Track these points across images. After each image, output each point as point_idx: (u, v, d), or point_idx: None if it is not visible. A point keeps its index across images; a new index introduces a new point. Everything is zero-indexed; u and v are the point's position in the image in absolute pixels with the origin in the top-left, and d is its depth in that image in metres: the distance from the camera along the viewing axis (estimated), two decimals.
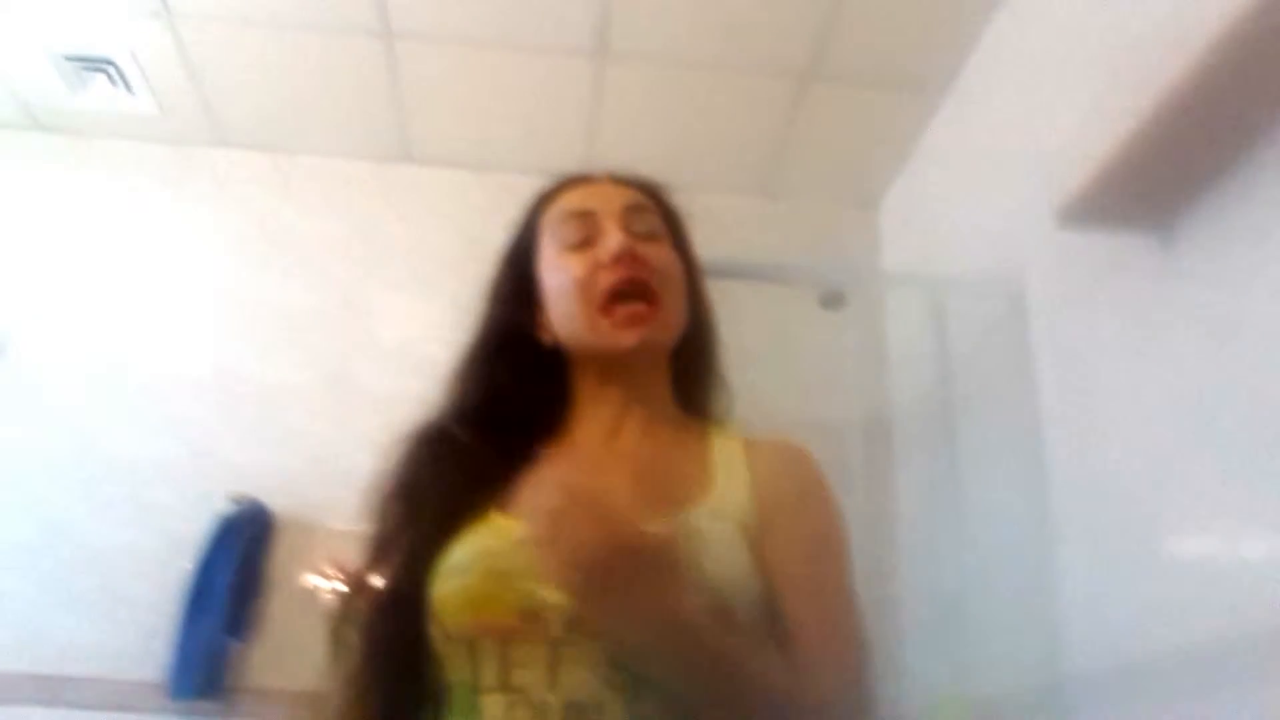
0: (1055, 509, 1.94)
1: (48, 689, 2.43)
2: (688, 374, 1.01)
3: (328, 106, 2.96)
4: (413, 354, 2.87)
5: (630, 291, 0.91)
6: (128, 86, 2.87)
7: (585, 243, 0.95)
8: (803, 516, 0.91)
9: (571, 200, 0.99)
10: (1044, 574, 1.91)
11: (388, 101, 2.92)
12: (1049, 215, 1.79)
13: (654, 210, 1.00)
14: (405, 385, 2.98)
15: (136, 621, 2.49)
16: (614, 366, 0.94)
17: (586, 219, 0.96)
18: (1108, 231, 1.77)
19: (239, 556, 2.53)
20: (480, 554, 0.83)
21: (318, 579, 2.58)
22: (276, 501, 2.65)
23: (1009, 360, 2.14)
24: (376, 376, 2.86)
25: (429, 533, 0.86)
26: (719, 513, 0.86)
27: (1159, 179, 1.59)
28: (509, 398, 0.96)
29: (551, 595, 0.78)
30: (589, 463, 0.93)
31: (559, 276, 0.95)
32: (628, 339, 0.91)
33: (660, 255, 0.95)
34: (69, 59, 2.78)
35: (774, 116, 2.83)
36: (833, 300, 2.45)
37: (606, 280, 0.91)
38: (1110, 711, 1.69)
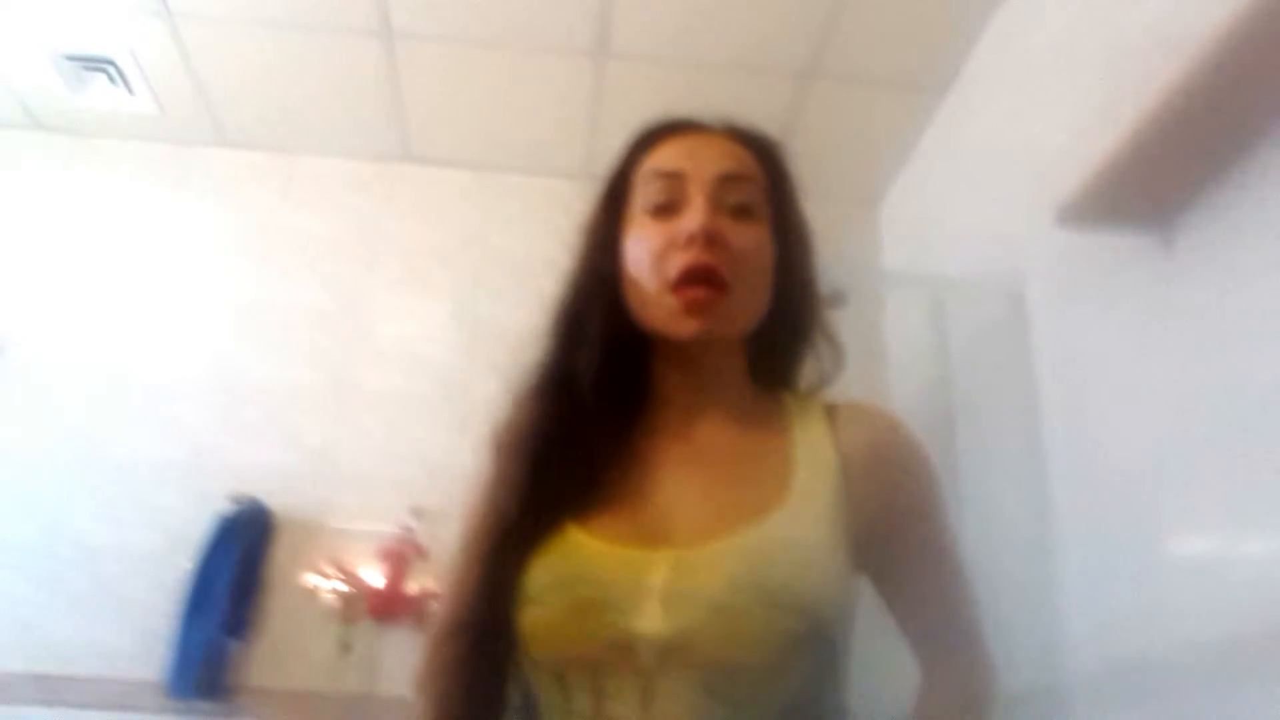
0: (1055, 508, 1.94)
1: (48, 689, 2.43)
2: (768, 352, 0.94)
3: (328, 106, 2.96)
4: (413, 354, 2.88)
5: (699, 275, 0.84)
6: (128, 86, 2.87)
7: (669, 208, 0.88)
8: (912, 503, 0.89)
9: (667, 155, 0.92)
10: (1044, 573, 1.91)
11: (388, 101, 2.92)
12: (1049, 215, 1.79)
13: (755, 179, 0.92)
14: (405, 385, 3.02)
15: (136, 621, 2.49)
16: (682, 350, 0.89)
17: (675, 182, 0.89)
18: (1108, 231, 1.77)
19: (239, 556, 2.53)
20: (562, 581, 0.80)
21: (318, 579, 2.58)
22: (276, 501, 2.65)
23: (1009, 360, 2.14)
24: (376, 376, 2.87)
25: (509, 552, 0.82)
26: (804, 512, 0.82)
27: (1159, 179, 1.59)
28: (596, 371, 0.88)
29: (643, 626, 0.76)
30: (666, 466, 0.87)
31: (636, 244, 0.89)
32: (689, 327, 0.85)
33: (745, 237, 0.88)
34: (69, 59, 2.78)
35: (774, 116, 2.83)
36: (833, 300, 2.44)
37: (679, 261, 0.85)
38: (1110, 711, 1.69)
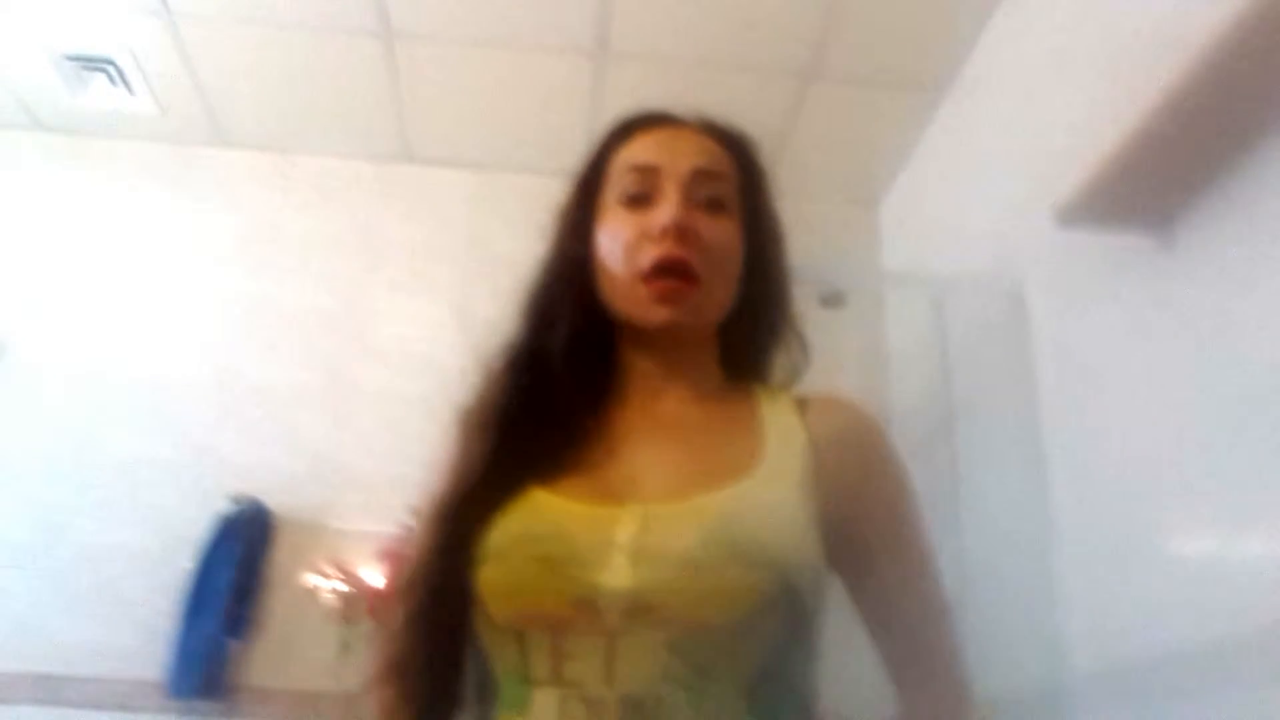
0: (1055, 509, 1.94)
1: (48, 689, 2.43)
2: (738, 344, 0.95)
3: (328, 106, 2.96)
4: (413, 354, 2.88)
5: (671, 268, 0.86)
6: (128, 86, 2.87)
7: (643, 199, 0.90)
8: (883, 488, 0.89)
9: (643, 148, 0.94)
10: (1044, 574, 1.91)
11: (388, 101, 2.92)
12: (1049, 215, 1.79)
13: (727, 175, 0.93)
14: (405, 385, 3.02)
15: (136, 621, 2.49)
16: (651, 338, 0.90)
17: (650, 175, 0.91)
18: (1107, 231, 1.77)
19: (239, 556, 2.53)
20: (526, 537, 0.77)
21: (318, 579, 2.58)
22: (276, 501, 2.66)
23: (1009, 360, 2.14)
24: (376, 376, 2.87)
25: (470, 514, 0.80)
26: (774, 480, 0.82)
27: (1159, 179, 1.59)
28: (564, 351, 0.89)
29: (608, 581, 0.73)
30: (633, 436, 0.87)
31: (609, 235, 0.90)
32: (659, 315, 0.86)
33: (717, 231, 0.89)
34: (69, 59, 2.78)
35: (774, 116, 2.83)
36: (833, 300, 2.45)
37: (651, 254, 0.86)
38: (1111, 711, 1.69)
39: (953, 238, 2.60)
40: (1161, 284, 1.69)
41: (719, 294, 0.90)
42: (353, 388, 2.85)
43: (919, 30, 2.54)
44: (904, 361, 2.66)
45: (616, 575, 0.73)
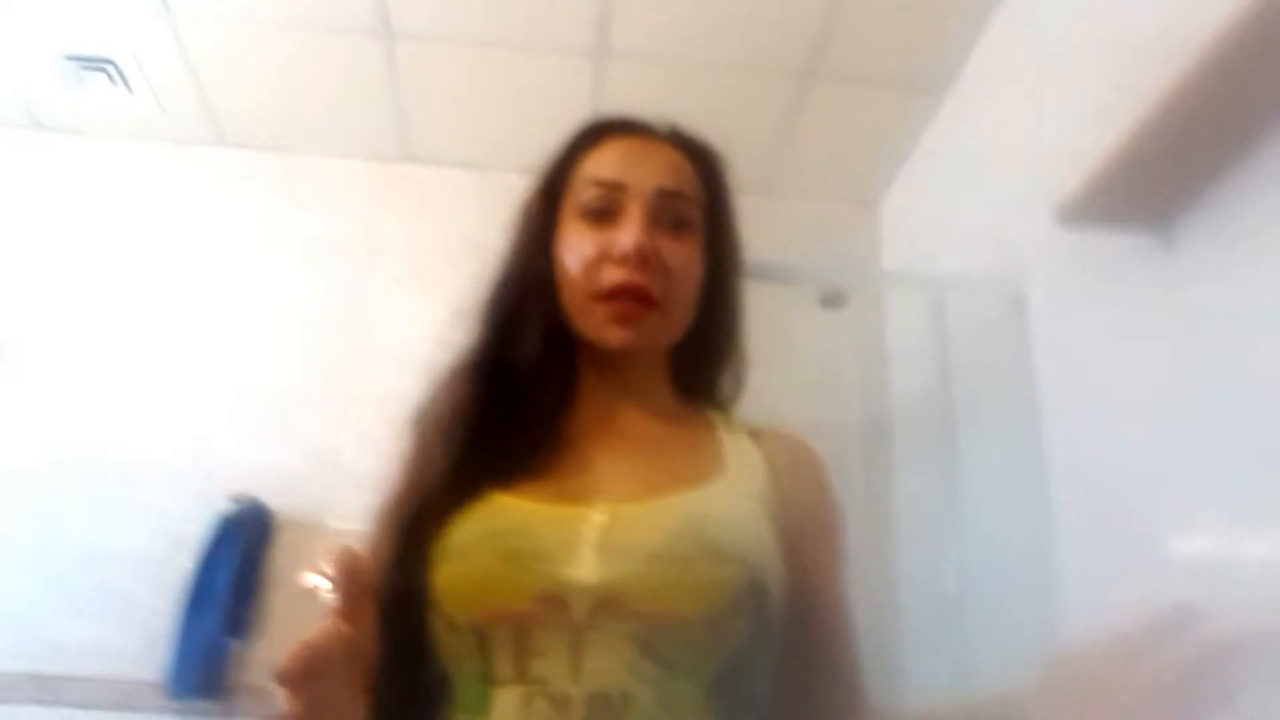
0: (1055, 509, 1.94)
1: (48, 689, 2.43)
2: (691, 365, 0.96)
3: (328, 106, 2.96)
4: (413, 354, 2.87)
5: (629, 294, 0.86)
6: (128, 86, 2.87)
7: (606, 215, 0.89)
8: (830, 520, 0.91)
9: (609, 160, 0.92)
10: (1044, 574, 1.91)
11: (388, 101, 2.92)
12: (1049, 215, 1.79)
13: (693, 193, 0.92)
14: (405, 385, 3.01)
15: (136, 621, 2.49)
16: (607, 357, 0.90)
17: (614, 191, 0.89)
18: (1108, 231, 1.77)
19: (239, 556, 2.53)
20: (488, 534, 0.76)
21: (318, 578, 2.57)
22: (276, 501, 2.66)
23: (1009, 360, 2.14)
24: (376, 376, 2.86)
25: (426, 518, 0.78)
26: (738, 490, 0.83)
27: (1159, 179, 1.59)
28: (524, 356, 0.89)
29: (576, 575, 0.72)
30: (592, 444, 0.87)
31: (569, 249, 0.89)
32: (615, 336, 0.87)
33: (678, 255, 0.89)
34: (69, 59, 2.78)
35: (774, 115, 2.83)
36: (833, 300, 2.45)
37: (611, 277, 0.86)
38: None
39: (953, 238, 2.60)
40: (1161, 284, 1.69)
41: (676, 318, 0.90)
42: (353, 388, 2.84)
43: (919, 30, 2.54)
44: (904, 361, 2.66)
45: (585, 569, 0.73)
